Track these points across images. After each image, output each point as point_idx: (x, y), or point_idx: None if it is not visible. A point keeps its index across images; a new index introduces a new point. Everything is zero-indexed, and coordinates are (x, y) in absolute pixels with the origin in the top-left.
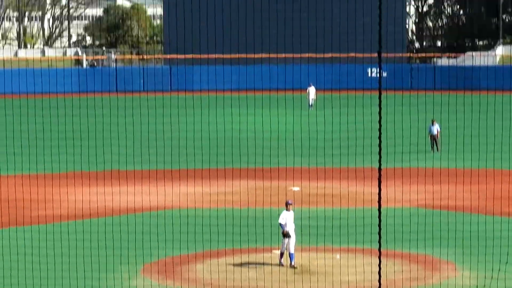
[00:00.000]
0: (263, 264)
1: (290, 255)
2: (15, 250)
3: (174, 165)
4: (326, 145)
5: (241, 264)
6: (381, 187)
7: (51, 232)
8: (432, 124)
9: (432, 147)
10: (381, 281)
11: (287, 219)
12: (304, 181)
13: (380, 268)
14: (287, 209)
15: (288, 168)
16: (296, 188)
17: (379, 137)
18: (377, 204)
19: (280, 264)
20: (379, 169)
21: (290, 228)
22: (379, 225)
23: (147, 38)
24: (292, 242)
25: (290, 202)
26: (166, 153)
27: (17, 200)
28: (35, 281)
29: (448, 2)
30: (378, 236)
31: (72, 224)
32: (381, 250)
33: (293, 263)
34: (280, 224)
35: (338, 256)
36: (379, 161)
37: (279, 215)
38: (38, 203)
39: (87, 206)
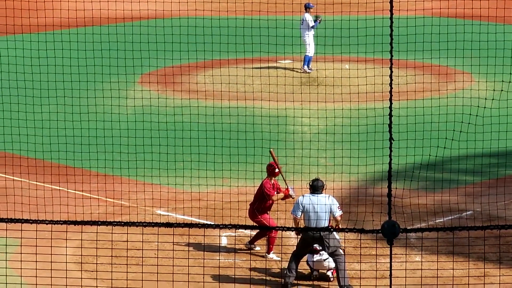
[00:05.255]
0: (269, 73)
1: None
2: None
3: None
4: None
5: (244, 73)
6: None
7: (44, 41)
8: None
9: None
10: (393, 91)
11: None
12: None
13: (391, 79)
14: (307, 12)
15: None
16: None
17: None
18: (389, 12)
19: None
20: None
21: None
22: (391, 34)
23: None
24: (312, 50)
25: (311, 5)
26: None
27: (7, 5)
28: (27, 84)
29: None
30: (390, 45)
31: (66, 32)
32: (393, 59)
33: (305, 67)
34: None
35: (347, 66)
36: None
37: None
38: (29, 11)
39: (81, 14)
